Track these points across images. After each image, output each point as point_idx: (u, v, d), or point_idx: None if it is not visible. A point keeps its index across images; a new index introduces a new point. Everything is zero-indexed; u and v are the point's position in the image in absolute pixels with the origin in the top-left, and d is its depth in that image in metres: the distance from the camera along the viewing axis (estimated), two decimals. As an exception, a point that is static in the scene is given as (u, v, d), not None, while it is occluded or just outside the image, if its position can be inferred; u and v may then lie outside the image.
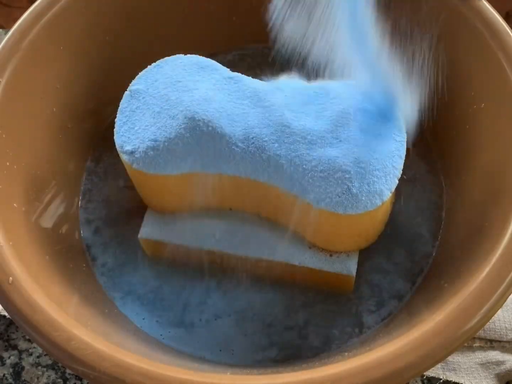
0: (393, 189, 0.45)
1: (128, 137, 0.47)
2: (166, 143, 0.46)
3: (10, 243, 0.41)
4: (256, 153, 0.46)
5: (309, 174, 0.45)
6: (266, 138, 0.46)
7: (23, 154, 0.48)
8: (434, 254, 0.52)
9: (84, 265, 0.52)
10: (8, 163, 0.46)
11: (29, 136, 0.50)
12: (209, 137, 0.46)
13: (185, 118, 0.46)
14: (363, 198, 0.44)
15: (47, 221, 0.49)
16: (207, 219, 0.51)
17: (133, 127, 0.47)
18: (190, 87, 0.48)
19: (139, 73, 0.51)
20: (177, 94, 0.48)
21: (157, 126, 0.47)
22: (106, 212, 0.55)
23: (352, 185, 0.44)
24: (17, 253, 0.41)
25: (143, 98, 0.49)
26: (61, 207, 0.53)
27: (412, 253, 0.52)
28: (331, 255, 0.49)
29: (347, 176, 0.44)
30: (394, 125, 0.46)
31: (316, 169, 0.45)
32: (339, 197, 0.44)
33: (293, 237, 0.50)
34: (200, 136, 0.46)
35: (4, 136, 0.46)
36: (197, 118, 0.46)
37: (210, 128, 0.46)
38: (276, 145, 0.46)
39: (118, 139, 0.47)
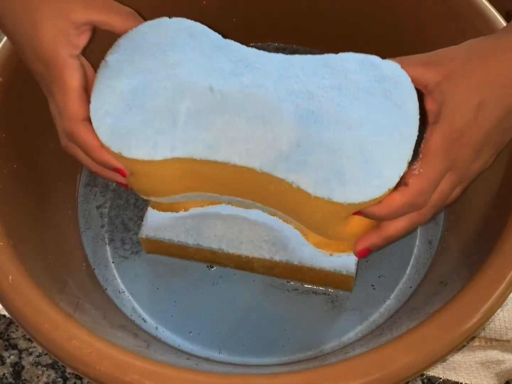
0: (401, 174, 0.40)
1: (106, 117, 0.42)
2: (147, 125, 0.42)
3: (11, 242, 0.41)
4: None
5: (306, 159, 0.41)
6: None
7: (23, 153, 0.48)
8: (434, 254, 0.52)
9: (84, 264, 0.52)
10: (8, 162, 0.46)
11: (29, 135, 0.50)
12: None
13: (169, 97, 0.42)
14: (369, 185, 0.40)
15: (48, 221, 0.49)
16: (207, 218, 0.51)
17: (111, 106, 0.43)
18: (176, 60, 0.44)
19: (118, 39, 0.46)
20: (160, 68, 0.43)
21: (138, 104, 0.42)
22: (106, 211, 0.55)
23: (357, 172, 0.40)
24: (17, 252, 0.41)
25: (122, 70, 0.44)
26: (61, 206, 0.53)
27: (413, 253, 0.52)
28: (331, 255, 0.49)
29: (351, 162, 0.40)
30: (406, 107, 0.42)
31: (316, 153, 0.40)
32: (341, 185, 0.40)
33: (294, 236, 0.50)
34: (186, 119, 0.42)
35: (4, 135, 0.46)
36: (181, 98, 0.42)
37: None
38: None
39: (95, 120, 0.42)
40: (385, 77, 0.42)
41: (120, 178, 0.45)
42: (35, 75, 0.45)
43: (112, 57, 0.44)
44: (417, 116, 0.41)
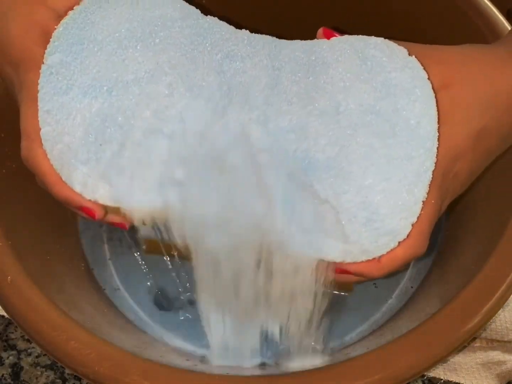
0: (415, 220, 0.34)
1: (70, 159, 0.33)
2: (136, 177, 0.33)
3: (9, 242, 0.41)
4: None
5: (294, 217, 0.33)
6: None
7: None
8: (434, 255, 0.52)
9: (83, 264, 0.52)
10: (7, 162, 0.46)
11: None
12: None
13: (151, 128, 0.33)
14: (375, 245, 0.33)
15: (46, 221, 0.49)
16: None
17: (74, 139, 0.33)
18: (148, 64, 0.33)
19: (57, 27, 0.34)
20: (129, 79, 0.33)
21: (108, 140, 0.33)
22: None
23: (360, 233, 0.33)
24: (16, 252, 0.41)
25: (73, 80, 0.33)
26: (60, 206, 0.52)
27: (411, 262, 0.52)
28: (331, 255, 0.49)
29: (352, 221, 0.33)
30: (422, 129, 0.33)
31: (301, 211, 0.33)
32: (338, 250, 0.33)
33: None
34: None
35: (2, 135, 0.46)
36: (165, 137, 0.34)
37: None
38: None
39: (56, 162, 0.34)
40: (395, 83, 0.34)
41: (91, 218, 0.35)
42: (5, 82, 0.36)
43: (55, 59, 0.33)
44: (435, 141, 0.33)
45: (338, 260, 0.34)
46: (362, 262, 0.34)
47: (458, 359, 0.48)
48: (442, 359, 0.36)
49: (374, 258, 0.34)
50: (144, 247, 0.52)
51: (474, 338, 0.49)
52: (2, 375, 0.50)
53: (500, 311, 0.49)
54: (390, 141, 0.33)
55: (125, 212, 0.34)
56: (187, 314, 0.50)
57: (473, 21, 0.48)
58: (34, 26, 0.33)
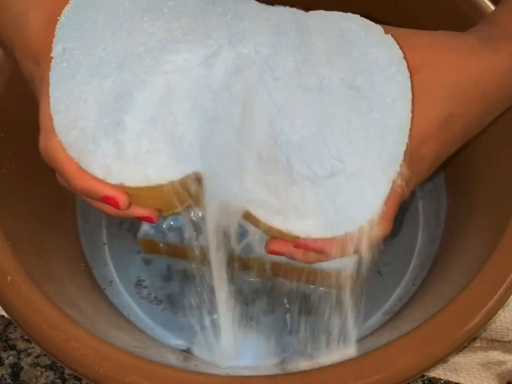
0: (385, 197, 0.33)
1: (87, 141, 0.33)
2: (158, 151, 0.32)
3: (9, 242, 0.41)
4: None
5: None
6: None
7: (22, 153, 0.48)
8: (435, 255, 0.52)
9: (83, 265, 0.52)
10: (7, 162, 0.46)
11: (28, 134, 0.49)
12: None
13: (168, 102, 0.32)
14: (339, 220, 0.33)
15: (46, 220, 0.49)
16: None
17: (87, 122, 0.32)
18: (159, 34, 0.32)
19: (59, 17, 0.34)
20: (141, 52, 0.32)
21: (123, 118, 0.32)
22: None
23: (331, 213, 0.32)
24: (16, 252, 0.41)
25: (79, 64, 0.32)
26: (60, 205, 0.52)
27: (413, 254, 0.52)
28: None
29: (323, 205, 0.32)
30: (396, 108, 0.33)
31: (271, 189, 0.33)
32: (308, 226, 0.33)
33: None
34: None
35: (2, 135, 0.46)
36: (182, 103, 0.33)
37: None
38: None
39: (72, 149, 0.33)
40: (371, 58, 0.33)
41: (113, 210, 0.34)
42: (26, 79, 0.36)
43: (58, 48, 0.33)
44: (409, 122, 0.33)
45: (301, 235, 0.33)
46: (327, 239, 0.33)
47: (458, 359, 0.48)
48: (442, 359, 0.36)
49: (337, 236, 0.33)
50: (144, 248, 0.52)
51: (474, 338, 0.49)
52: (2, 375, 0.50)
53: (500, 311, 0.49)
54: (366, 118, 0.32)
55: (155, 193, 0.33)
56: (188, 315, 0.50)
57: (472, 21, 0.48)
58: (52, 20, 0.33)
